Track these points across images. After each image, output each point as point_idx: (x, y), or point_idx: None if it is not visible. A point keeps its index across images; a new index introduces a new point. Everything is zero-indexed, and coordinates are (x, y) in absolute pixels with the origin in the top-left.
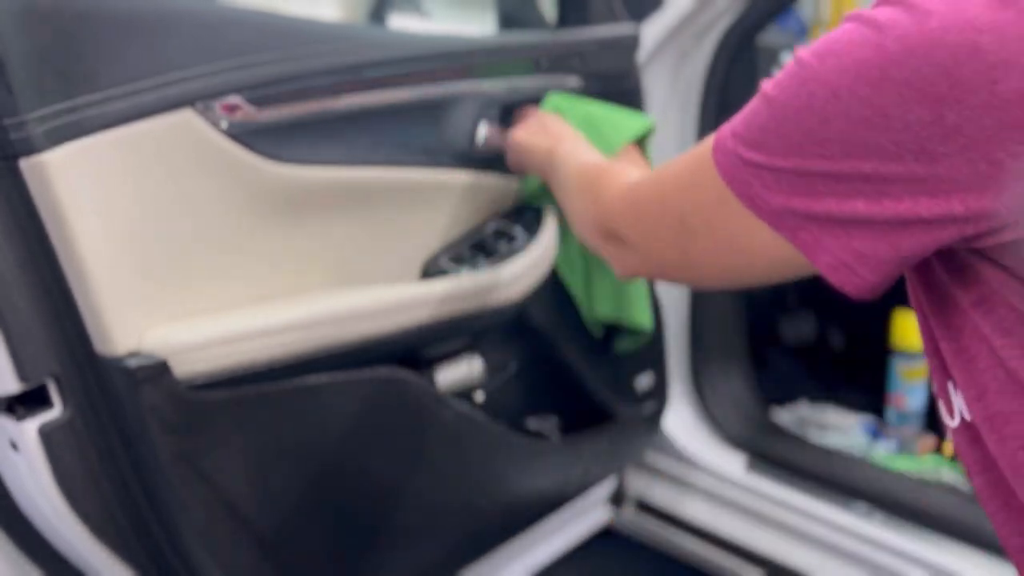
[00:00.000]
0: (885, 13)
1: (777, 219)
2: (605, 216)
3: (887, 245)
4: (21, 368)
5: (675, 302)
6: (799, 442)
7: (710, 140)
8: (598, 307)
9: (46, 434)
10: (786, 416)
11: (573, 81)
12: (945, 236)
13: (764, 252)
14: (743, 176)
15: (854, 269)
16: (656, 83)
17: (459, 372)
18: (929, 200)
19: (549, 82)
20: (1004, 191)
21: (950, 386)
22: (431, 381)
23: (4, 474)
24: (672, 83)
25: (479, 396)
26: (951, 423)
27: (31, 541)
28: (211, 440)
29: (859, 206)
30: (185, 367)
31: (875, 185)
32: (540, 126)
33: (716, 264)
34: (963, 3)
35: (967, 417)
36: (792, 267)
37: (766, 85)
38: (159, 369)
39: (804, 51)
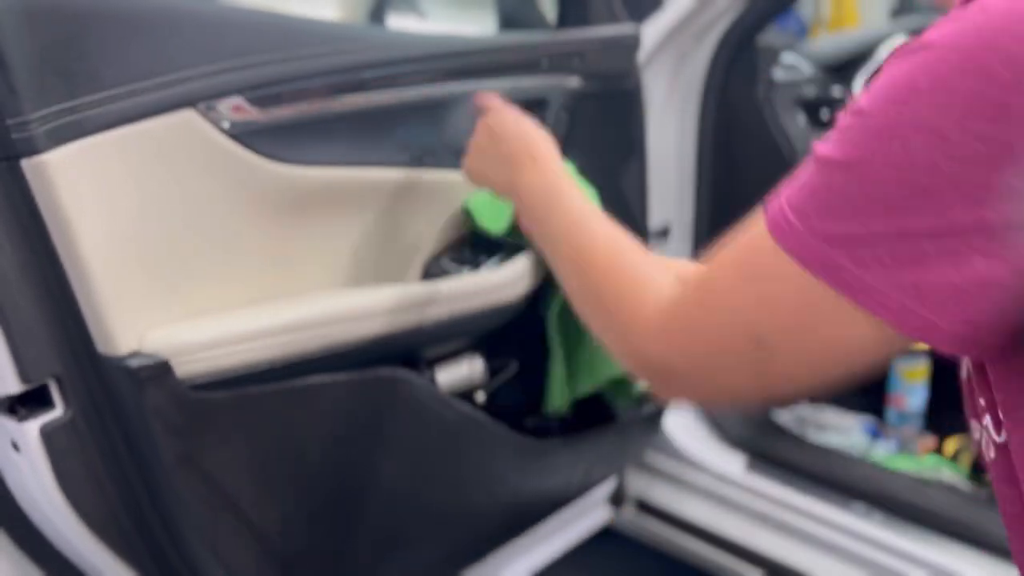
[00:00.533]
0: (971, 33)
1: (881, 303)
2: (642, 344)
3: (1017, 308)
4: (23, 368)
5: None
6: (799, 442)
7: (757, 235)
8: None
9: (47, 434)
10: (786, 416)
11: (574, 81)
12: None
13: (869, 348)
14: (833, 260)
15: (981, 340)
16: (656, 83)
17: (460, 372)
18: None
19: (551, 82)
20: None
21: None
22: (432, 381)
23: (6, 475)
24: (672, 83)
25: (480, 396)
26: (998, 439)
27: (33, 542)
28: (213, 440)
29: (979, 265)
30: (187, 367)
31: (997, 233)
32: (491, 144)
33: (804, 379)
34: None
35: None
36: (901, 352)
37: (824, 149)
38: (161, 369)
39: (863, 101)
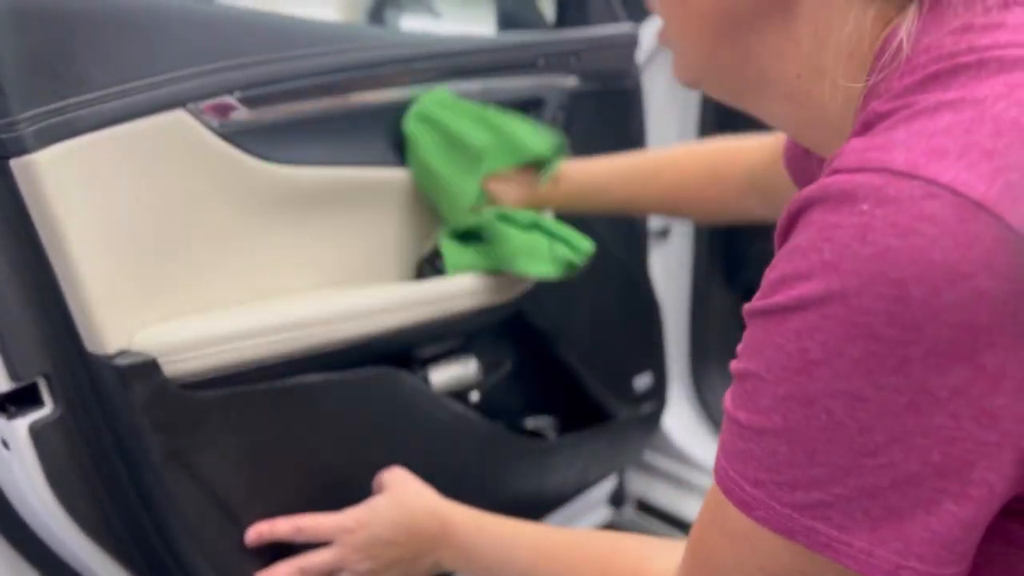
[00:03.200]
0: (839, 296)
1: (872, 565)
2: None
3: (981, 528)
4: (12, 367)
5: (675, 302)
6: None
7: (721, 512)
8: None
9: (36, 432)
10: None
11: (570, 81)
12: None
13: None
14: (809, 527)
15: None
16: (656, 83)
17: (454, 372)
18: (1006, 459)
19: (546, 81)
20: None
21: None
22: (426, 381)
23: None
24: (672, 83)
25: (474, 396)
26: None
27: (27, 542)
28: (202, 439)
29: (950, 507)
30: (176, 366)
31: (952, 473)
32: (372, 560)
33: None
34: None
35: None
36: None
37: (743, 415)
38: (149, 367)
39: (754, 363)
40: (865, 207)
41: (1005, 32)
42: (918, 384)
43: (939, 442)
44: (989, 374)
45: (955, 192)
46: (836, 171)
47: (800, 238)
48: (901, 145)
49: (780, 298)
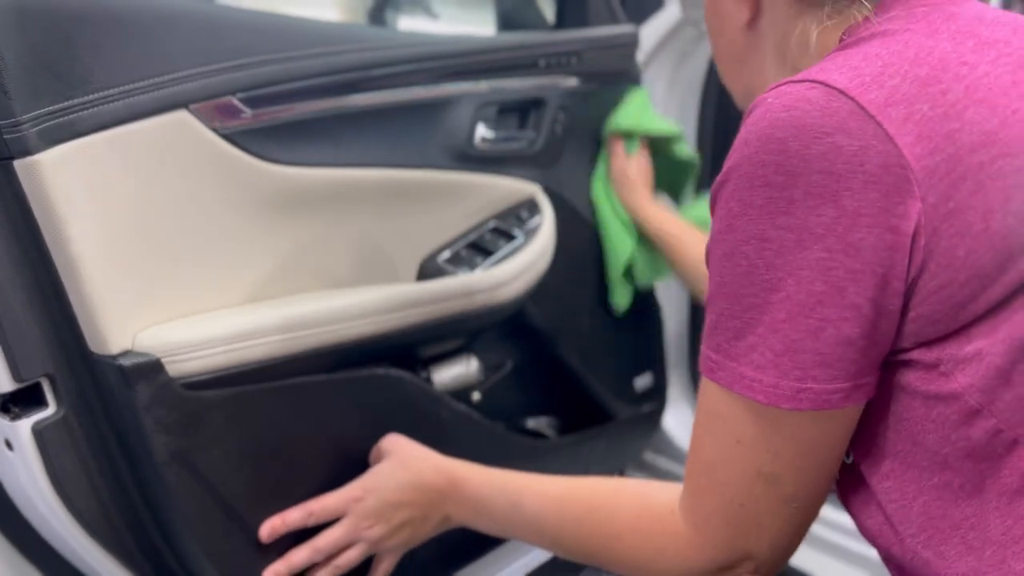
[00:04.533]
0: (747, 160)
1: (780, 395)
2: (700, 560)
3: (860, 349)
4: (15, 368)
5: (675, 302)
6: None
7: (703, 390)
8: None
9: (40, 433)
10: None
11: (571, 81)
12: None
13: (818, 435)
14: (740, 374)
15: (872, 386)
16: (656, 83)
17: (456, 371)
18: (868, 283)
19: (548, 82)
20: None
21: None
22: (428, 380)
23: (1, 474)
24: (672, 83)
25: (476, 395)
26: (847, 460)
27: (30, 543)
28: (206, 439)
29: (831, 330)
30: (179, 366)
31: (830, 300)
32: (386, 523)
33: (817, 481)
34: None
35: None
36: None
37: (707, 297)
38: (153, 367)
39: (709, 240)
40: (770, 100)
41: (890, 23)
42: (801, 223)
43: (819, 272)
44: (849, 213)
45: (826, 85)
46: None
47: None
48: (803, 72)
49: (717, 180)
